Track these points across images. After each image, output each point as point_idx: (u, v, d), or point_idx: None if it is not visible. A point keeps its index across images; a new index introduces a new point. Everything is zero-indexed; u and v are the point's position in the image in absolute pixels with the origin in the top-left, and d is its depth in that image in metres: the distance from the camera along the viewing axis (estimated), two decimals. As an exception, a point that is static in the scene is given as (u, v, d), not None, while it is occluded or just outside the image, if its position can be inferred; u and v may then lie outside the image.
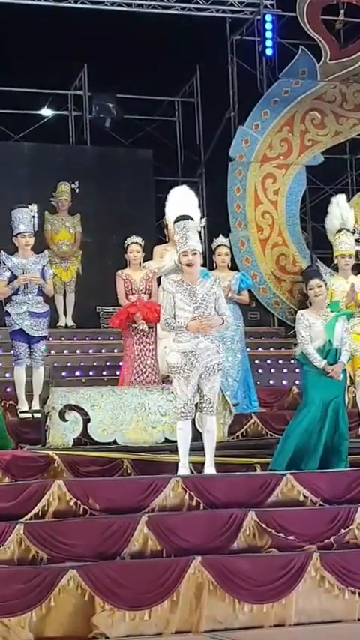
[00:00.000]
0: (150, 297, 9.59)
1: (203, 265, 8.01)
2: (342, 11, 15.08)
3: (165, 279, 7.85)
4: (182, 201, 8.01)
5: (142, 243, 9.77)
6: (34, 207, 9.77)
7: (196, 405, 7.73)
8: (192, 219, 7.83)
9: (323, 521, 7.20)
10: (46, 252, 9.97)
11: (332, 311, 8.27)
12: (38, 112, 16.11)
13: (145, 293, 9.58)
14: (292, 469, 7.83)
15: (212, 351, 7.65)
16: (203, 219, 8.05)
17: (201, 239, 8.01)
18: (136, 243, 9.73)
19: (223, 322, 7.67)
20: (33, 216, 9.75)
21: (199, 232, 7.94)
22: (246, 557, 6.82)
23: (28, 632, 6.22)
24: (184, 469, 7.62)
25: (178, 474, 7.55)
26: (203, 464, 7.74)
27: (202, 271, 7.92)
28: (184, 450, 7.64)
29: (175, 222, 7.84)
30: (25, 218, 9.65)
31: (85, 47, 14.84)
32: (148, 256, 9.98)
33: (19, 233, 9.61)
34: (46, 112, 16.28)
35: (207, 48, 15.51)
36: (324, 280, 8.35)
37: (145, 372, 9.43)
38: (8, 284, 9.49)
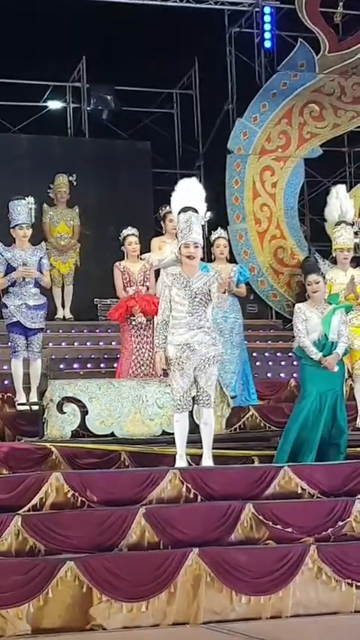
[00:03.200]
0: (148, 289, 9.59)
1: (202, 258, 8.00)
2: (340, 3, 15.07)
3: (164, 273, 7.85)
4: (190, 193, 7.97)
5: (138, 235, 9.74)
6: (30, 199, 9.77)
7: (193, 397, 7.74)
8: (197, 211, 7.81)
9: (321, 514, 7.20)
10: (43, 244, 9.96)
11: (331, 303, 8.28)
12: (39, 104, 16.05)
13: (143, 285, 9.58)
14: (291, 462, 7.84)
15: (208, 343, 7.64)
16: (208, 213, 8.04)
17: (204, 233, 8.01)
18: (134, 235, 9.73)
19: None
20: (30, 209, 9.75)
21: (203, 226, 7.93)
22: (243, 549, 6.83)
23: (25, 624, 6.22)
24: (181, 461, 7.63)
25: (176, 465, 7.56)
26: (201, 456, 7.75)
27: (200, 264, 7.92)
28: (181, 442, 7.65)
29: (179, 212, 7.81)
30: (22, 210, 9.65)
31: (84, 39, 14.82)
32: (146, 248, 9.98)
33: (17, 225, 9.61)
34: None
35: (205, 40, 15.48)
36: (322, 274, 8.35)
37: (142, 365, 9.45)
38: (5, 276, 9.50)
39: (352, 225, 9.72)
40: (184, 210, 7.76)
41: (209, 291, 7.68)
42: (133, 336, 9.51)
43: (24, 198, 9.74)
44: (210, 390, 7.70)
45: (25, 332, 9.50)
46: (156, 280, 9.67)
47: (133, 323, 9.48)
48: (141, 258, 9.73)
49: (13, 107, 15.62)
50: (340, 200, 9.81)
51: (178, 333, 7.63)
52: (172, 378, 7.69)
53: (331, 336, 8.11)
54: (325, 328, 8.10)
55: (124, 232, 9.78)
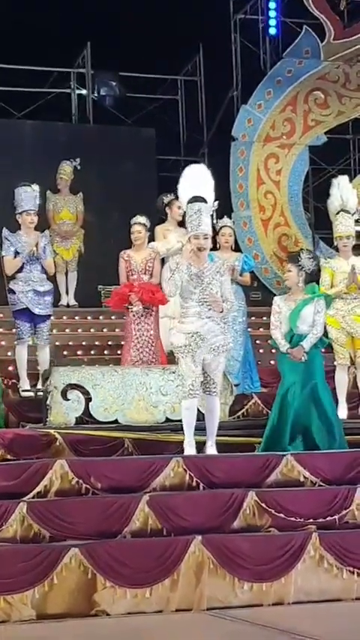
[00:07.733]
0: (151, 277, 9.56)
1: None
2: (346, -10, 15.04)
3: (171, 260, 7.85)
4: (198, 182, 7.90)
5: (147, 224, 9.69)
6: (36, 187, 9.79)
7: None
8: (206, 201, 7.77)
9: (323, 502, 7.25)
10: (46, 231, 9.99)
11: (307, 293, 8.22)
12: (43, 90, 15.99)
13: (145, 274, 9.55)
14: (267, 451, 7.86)
15: (217, 332, 7.68)
16: (216, 202, 8.02)
17: (212, 222, 8.00)
18: (138, 223, 9.65)
19: (222, 310, 7.67)
20: (35, 196, 9.78)
21: (212, 216, 7.91)
22: (246, 536, 6.88)
23: (30, 609, 6.28)
24: (190, 448, 7.65)
25: (185, 452, 7.60)
26: (204, 444, 7.79)
27: (206, 252, 7.93)
28: (189, 429, 7.66)
29: (188, 202, 7.76)
30: (29, 196, 9.68)
31: (88, 25, 14.79)
32: (152, 235, 9.96)
33: (25, 211, 9.64)
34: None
35: (210, 26, 15.43)
36: (300, 266, 8.16)
37: (143, 352, 9.42)
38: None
39: (353, 214, 9.75)
40: (194, 200, 7.73)
41: (219, 280, 7.68)
42: (133, 324, 9.52)
43: (30, 185, 9.76)
44: (217, 379, 7.75)
45: (31, 319, 9.54)
46: (161, 268, 9.67)
47: (133, 311, 9.47)
48: (149, 247, 9.70)
49: (17, 93, 15.59)
50: (340, 190, 9.84)
51: (187, 322, 7.66)
52: (182, 365, 7.70)
53: (301, 328, 8.08)
54: (291, 322, 8.08)
55: (132, 220, 9.72)
